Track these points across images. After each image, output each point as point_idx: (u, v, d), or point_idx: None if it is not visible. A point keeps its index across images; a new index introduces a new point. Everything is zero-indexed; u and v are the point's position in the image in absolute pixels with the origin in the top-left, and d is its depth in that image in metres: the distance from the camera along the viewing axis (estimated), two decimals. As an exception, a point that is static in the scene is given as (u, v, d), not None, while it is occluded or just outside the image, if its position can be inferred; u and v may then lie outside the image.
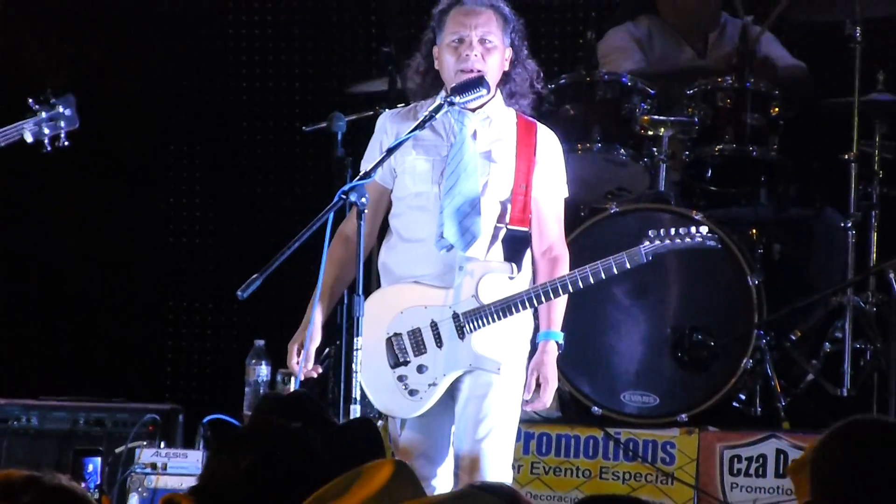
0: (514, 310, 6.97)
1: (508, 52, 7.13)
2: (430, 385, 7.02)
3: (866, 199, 8.60)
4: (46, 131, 8.12)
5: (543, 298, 7.00)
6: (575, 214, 7.75)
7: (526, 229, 7.14)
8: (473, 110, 7.07)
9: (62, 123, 8.14)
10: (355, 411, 6.92)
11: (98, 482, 8.00)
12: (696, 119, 8.57)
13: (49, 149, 8.12)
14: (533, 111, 7.39)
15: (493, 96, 7.19)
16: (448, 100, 6.96)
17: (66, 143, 8.18)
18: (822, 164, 9.09)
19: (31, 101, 8.12)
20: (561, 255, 7.12)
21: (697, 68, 9.34)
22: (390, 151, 6.97)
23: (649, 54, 9.28)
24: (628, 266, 7.13)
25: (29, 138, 8.06)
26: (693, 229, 7.30)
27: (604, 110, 8.66)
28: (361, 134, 7.95)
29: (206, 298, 8.27)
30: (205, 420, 7.35)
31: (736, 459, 8.12)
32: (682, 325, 8.35)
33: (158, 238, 10.13)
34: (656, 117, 8.60)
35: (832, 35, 8.79)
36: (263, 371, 8.41)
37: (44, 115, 8.12)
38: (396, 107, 7.24)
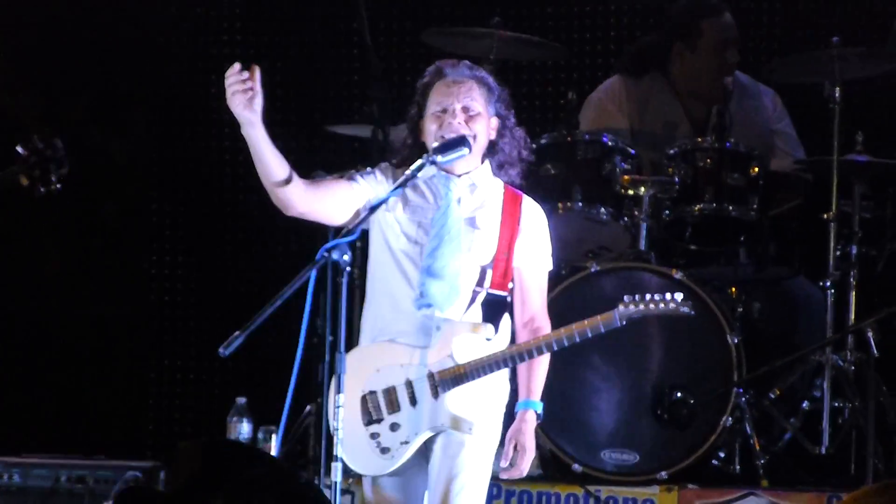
0: (488, 370, 6.94)
1: (494, 122, 7.14)
2: (402, 443, 6.99)
3: (845, 258, 8.60)
4: (37, 174, 7.88)
5: (518, 360, 7.00)
6: (556, 273, 7.66)
7: (505, 294, 7.12)
8: (459, 176, 7.06)
9: (52, 166, 7.85)
10: (337, 469, 6.76)
11: None
12: (677, 178, 8.58)
13: (42, 191, 7.82)
14: (523, 181, 7.32)
15: (480, 165, 7.16)
16: (430, 158, 6.93)
17: (59, 186, 7.88)
18: (801, 224, 9.05)
19: (18, 147, 7.91)
20: (542, 328, 7.12)
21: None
22: (373, 209, 6.98)
23: (643, 113, 9.18)
24: (602, 330, 7.09)
25: (24, 182, 7.91)
26: (668, 296, 7.30)
27: (585, 170, 8.65)
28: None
29: (188, 356, 8.25)
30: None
31: None
32: (661, 383, 8.37)
33: (141, 295, 10.10)
34: (637, 177, 8.56)
35: (812, 96, 8.79)
36: (245, 428, 8.36)
37: (34, 159, 7.94)
38: (389, 164, 7.20)
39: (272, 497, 5.13)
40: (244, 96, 6.79)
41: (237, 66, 6.79)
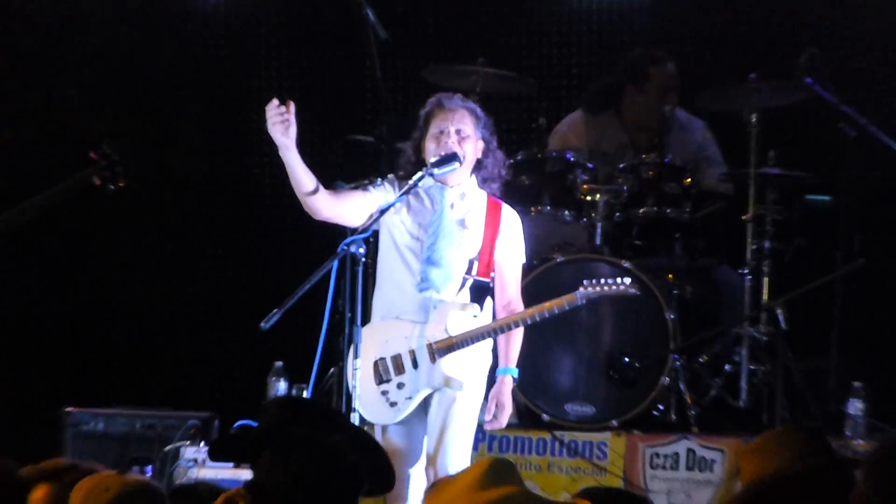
0: (475, 340, 7.05)
1: (480, 144, 7.20)
2: (406, 399, 7.10)
3: (759, 251, 8.59)
4: (107, 175, 8.08)
5: (498, 333, 7.13)
6: (529, 263, 7.62)
7: (488, 280, 7.22)
8: (452, 186, 7.13)
9: (118, 169, 8.09)
10: (354, 419, 6.90)
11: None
12: (626, 188, 8.51)
13: (111, 188, 8.11)
14: (503, 192, 7.35)
15: (468, 178, 7.21)
16: (428, 171, 7.02)
17: (122, 184, 8.14)
18: (724, 223, 8.93)
19: (92, 153, 8.07)
20: (517, 308, 7.24)
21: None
22: (382, 212, 7.04)
23: (598, 140, 9.07)
24: (567, 308, 7.19)
25: (97, 181, 8.05)
26: (618, 280, 7.39)
27: (552, 180, 8.59)
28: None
29: (237, 328, 8.09)
30: (235, 425, 7.29)
31: (655, 456, 8.11)
32: (613, 350, 8.30)
33: (200, 278, 9.90)
34: (593, 186, 8.52)
35: (734, 121, 8.76)
36: (281, 386, 8.36)
37: (105, 162, 8.05)
38: (395, 177, 7.23)
39: (347, 437, 4.93)
40: (282, 126, 6.86)
41: (276, 101, 6.84)
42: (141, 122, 9.77)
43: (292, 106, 6.95)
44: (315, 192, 7.05)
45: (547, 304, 7.18)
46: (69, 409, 8.50)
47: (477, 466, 4.25)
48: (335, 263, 6.92)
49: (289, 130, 6.92)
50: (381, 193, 7.24)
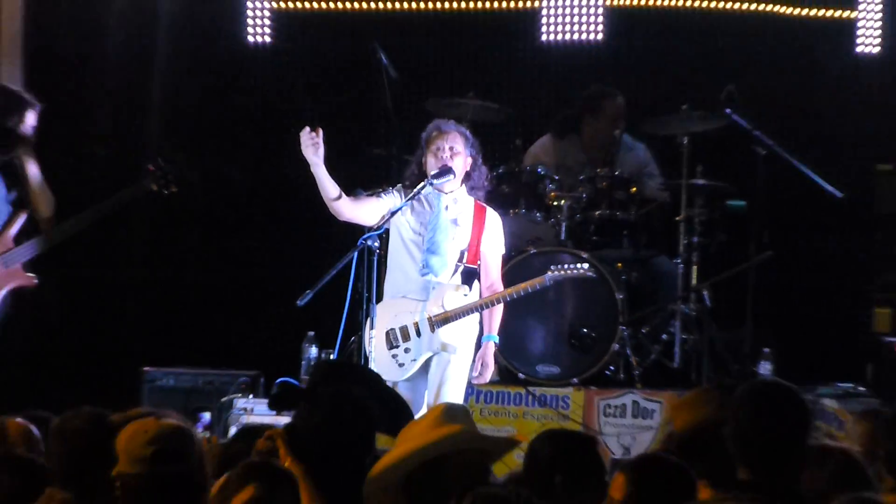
0: (465, 314, 7.12)
1: (469, 160, 7.20)
2: (412, 360, 7.16)
3: (690, 245, 8.52)
4: (162, 182, 7.81)
5: (485, 307, 7.18)
6: (508, 254, 7.63)
7: (475, 266, 7.25)
8: (447, 193, 7.15)
9: (171, 177, 7.85)
10: None
11: (208, 424, 7.87)
12: (584, 195, 8.37)
13: (165, 193, 7.82)
14: (486, 198, 7.33)
15: (459, 187, 7.21)
16: (429, 181, 7.07)
17: (174, 190, 7.87)
18: (662, 223, 8.84)
19: (150, 166, 7.83)
20: (498, 289, 7.25)
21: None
22: (392, 214, 7.10)
23: (563, 159, 8.87)
24: (538, 288, 7.26)
25: (154, 187, 7.76)
26: (578, 265, 7.46)
27: (526, 189, 8.47)
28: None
29: (278, 304, 7.93)
30: (277, 381, 6.52)
31: (607, 406, 8.09)
32: (574, 324, 8.24)
33: (251, 265, 9.56)
34: (559, 193, 8.40)
35: (670, 141, 8.67)
36: (313, 351, 8.23)
37: (160, 172, 7.79)
38: (403, 186, 7.32)
39: (367, 390, 4.95)
40: (312, 148, 6.92)
41: (307, 128, 6.88)
42: (206, 141, 9.59)
43: (321, 132, 6.97)
44: (338, 198, 7.07)
45: (522, 285, 7.26)
46: (146, 368, 8.37)
47: (433, 410, 4.25)
48: (355, 254, 6.96)
49: (318, 151, 6.95)
50: (391, 199, 7.24)
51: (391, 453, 4.11)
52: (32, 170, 7.68)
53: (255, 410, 7.92)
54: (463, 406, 4.16)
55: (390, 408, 5.00)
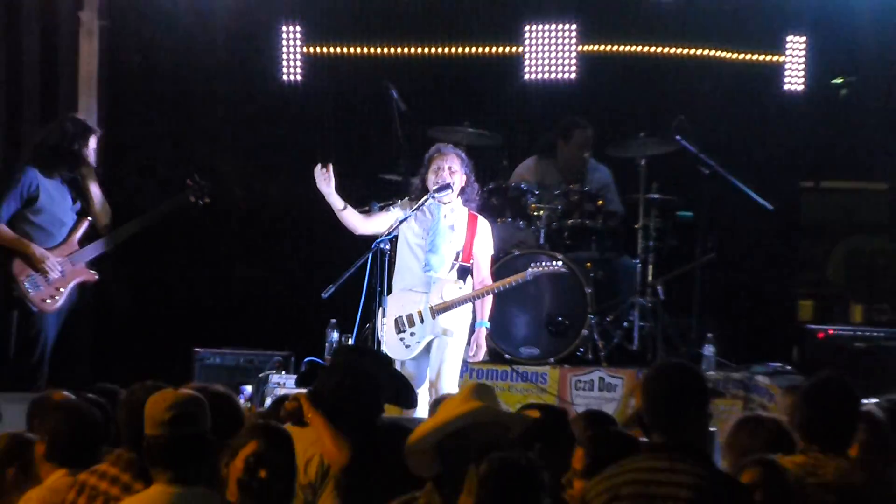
0: (461, 304, 7.05)
1: (464, 177, 7.12)
2: (416, 343, 7.08)
3: (646, 248, 8.39)
4: (198, 195, 7.71)
5: (477, 298, 7.10)
6: (497, 255, 7.56)
7: (469, 264, 7.16)
8: (445, 204, 7.06)
9: (205, 191, 7.77)
10: None
11: (249, 396, 7.68)
12: (559, 207, 8.21)
13: (201, 204, 7.74)
14: (478, 209, 7.22)
15: (456, 199, 7.09)
16: (431, 194, 7.01)
17: (208, 201, 7.80)
18: (625, 229, 8.70)
19: (188, 181, 7.75)
20: (488, 283, 7.16)
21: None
22: (401, 223, 7.04)
23: (543, 177, 8.64)
24: (521, 282, 7.21)
25: (192, 200, 7.68)
26: (554, 263, 7.47)
27: (512, 201, 8.29)
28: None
29: (307, 295, 7.75)
30: (305, 360, 6.78)
31: (578, 382, 7.99)
32: (551, 313, 8.11)
33: (285, 266, 9.26)
34: (539, 205, 8.24)
35: (629, 162, 8.52)
36: (335, 335, 8.02)
37: (195, 187, 7.70)
38: (409, 199, 7.26)
39: (385, 366, 4.87)
40: (325, 182, 6.92)
41: (319, 165, 6.88)
42: (247, 163, 9.42)
43: (331, 168, 6.95)
44: (351, 217, 7.05)
45: (507, 280, 7.22)
46: (197, 349, 8.21)
47: (465, 387, 4.16)
48: (370, 255, 6.93)
49: (330, 183, 6.93)
50: (399, 210, 7.17)
51: (427, 422, 4.04)
52: (93, 185, 7.61)
53: (286, 385, 7.81)
54: (488, 386, 4.25)
55: (396, 383, 4.91)
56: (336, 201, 7.00)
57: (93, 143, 7.61)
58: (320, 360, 6.30)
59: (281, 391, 7.60)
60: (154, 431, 3.84)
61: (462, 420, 3.87)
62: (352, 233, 7.29)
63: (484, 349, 7.25)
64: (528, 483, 3.49)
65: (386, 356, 6.00)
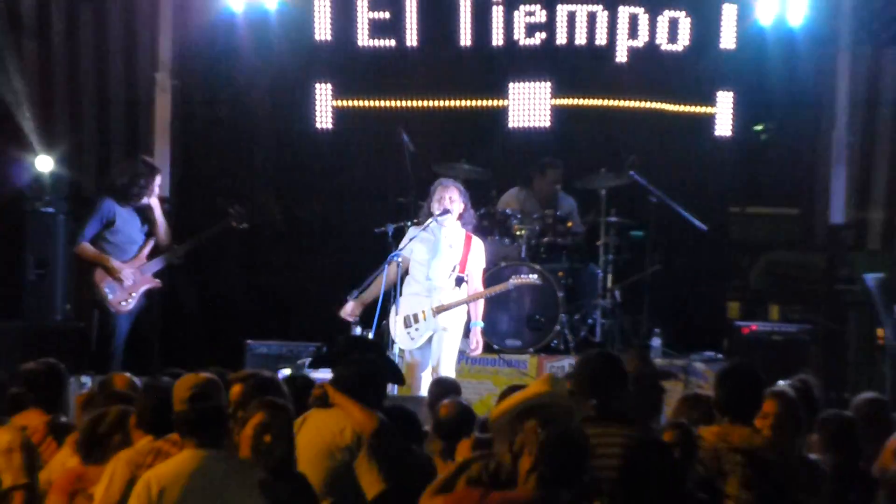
0: (457, 306, 6.91)
1: (462, 205, 6.97)
2: (420, 336, 6.95)
3: (607, 260, 8.29)
4: (238, 219, 7.66)
5: (470, 302, 6.93)
6: (487, 267, 7.31)
7: (464, 275, 7.01)
8: (445, 226, 6.92)
9: (244, 217, 7.72)
10: (395, 346, 6.92)
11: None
12: (537, 227, 8.11)
13: (240, 227, 7.70)
14: (473, 230, 7.03)
15: (455, 222, 6.93)
16: (435, 219, 6.89)
17: (246, 226, 7.76)
18: (589, 245, 8.57)
19: (229, 209, 7.68)
20: (479, 290, 6.99)
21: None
22: (411, 240, 6.90)
23: (524, 204, 8.47)
24: (506, 290, 7.12)
25: (233, 224, 7.64)
26: (532, 275, 7.40)
27: (499, 223, 8.16)
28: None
29: (336, 298, 7.42)
30: (312, 355, 7.26)
31: (552, 367, 7.88)
32: (531, 312, 8.02)
33: (319, 275, 8.87)
34: (521, 226, 8.11)
35: (593, 192, 8.41)
36: (358, 329, 7.50)
37: (235, 214, 7.62)
38: (416, 222, 7.17)
39: (377, 356, 4.82)
40: (352, 318, 6.89)
41: (346, 309, 6.82)
42: (288, 193, 9.32)
43: (357, 311, 6.85)
44: (375, 291, 6.79)
45: (494, 288, 7.11)
46: (248, 341, 8.09)
47: (544, 376, 4.27)
48: (386, 266, 6.87)
49: (354, 315, 6.88)
50: (409, 231, 7.09)
51: (508, 400, 3.96)
52: (157, 212, 7.65)
53: (320, 370, 7.19)
54: (560, 378, 4.33)
55: (391, 367, 4.90)
56: (366, 302, 6.92)
57: (158, 179, 7.67)
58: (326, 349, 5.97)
59: (314, 375, 7.00)
60: (179, 407, 3.85)
61: (534, 399, 3.83)
62: (374, 249, 7.23)
63: (482, 344, 7.11)
64: (581, 450, 3.58)
65: (381, 347, 5.97)
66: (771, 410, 4.30)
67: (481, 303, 7.03)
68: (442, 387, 5.37)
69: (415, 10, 8.56)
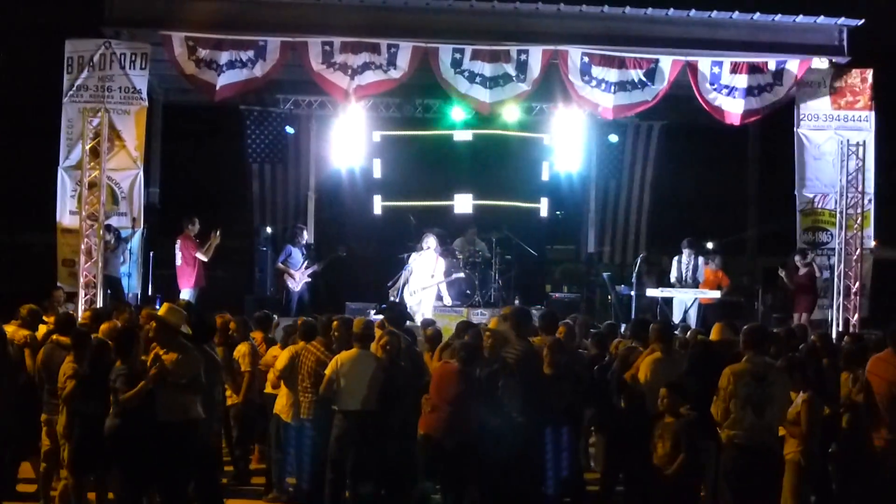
0: (431, 287, 8.51)
1: (438, 248, 7.81)
2: (417, 300, 8.98)
3: (496, 266, 10.14)
4: (343, 252, 8.45)
5: (438, 284, 8.06)
6: (446, 271, 8.51)
7: (434, 274, 8.44)
8: (427, 259, 7.94)
9: (344, 252, 9.06)
10: (408, 306, 9.03)
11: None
12: (467, 254, 10.28)
13: (343, 255, 8.78)
14: (440, 254, 8.12)
15: (434, 255, 7.79)
16: (419, 252, 8.13)
17: (344, 254, 8.84)
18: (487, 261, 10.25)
19: (340, 248, 8.93)
20: (441, 281, 7.87)
21: None
22: (413, 260, 8.69)
23: (464, 246, 9.58)
24: (451, 280, 8.41)
25: (342, 254, 8.25)
26: (461, 274, 9.14)
27: (451, 254, 10.11)
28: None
29: (385, 282, 9.05)
30: (380, 307, 9.30)
31: (473, 313, 9.20)
32: (463, 289, 9.58)
33: (374, 276, 11.64)
34: (460, 254, 10.24)
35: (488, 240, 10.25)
36: (392, 297, 9.84)
37: (342, 248, 8.79)
38: (416, 253, 7.94)
39: (400, 308, 5.40)
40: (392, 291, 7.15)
41: None
42: (359, 246, 12.17)
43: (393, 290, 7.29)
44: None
45: (447, 279, 8.86)
46: (347, 302, 10.28)
47: (501, 314, 4.69)
48: (403, 271, 8.92)
49: (393, 292, 7.36)
50: (412, 256, 9.12)
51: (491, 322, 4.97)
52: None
53: (372, 314, 10.00)
54: (499, 318, 5.18)
55: (405, 313, 6.00)
56: (395, 287, 7.65)
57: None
58: (384, 306, 8.49)
59: (373, 316, 9.78)
60: (356, 329, 5.35)
61: (494, 329, 5.42)
62: (397, 264, 9.77)
63: (444, 302, 10.04)
64: (477, 348, 4.81)
65: (402, 305, 7.73)
66: (561, 331, 6.59)
67: (444, 284, 10.41)
68: (465, 324, 7.14)
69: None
